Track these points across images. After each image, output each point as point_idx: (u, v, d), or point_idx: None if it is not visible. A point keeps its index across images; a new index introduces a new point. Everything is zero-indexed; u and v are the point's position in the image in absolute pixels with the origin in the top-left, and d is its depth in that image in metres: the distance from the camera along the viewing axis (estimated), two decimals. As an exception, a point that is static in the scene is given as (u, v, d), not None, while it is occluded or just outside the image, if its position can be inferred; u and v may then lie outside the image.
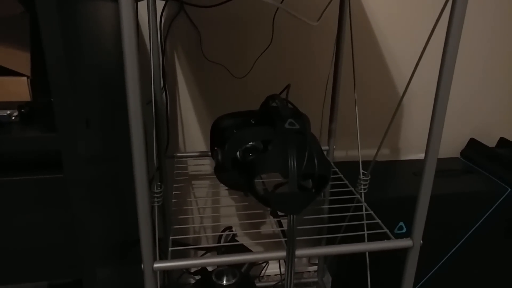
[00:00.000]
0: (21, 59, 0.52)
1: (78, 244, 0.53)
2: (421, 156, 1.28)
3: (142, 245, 0.57)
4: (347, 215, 0.79)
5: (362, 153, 1.23)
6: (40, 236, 0.52)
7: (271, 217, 1.24)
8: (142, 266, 0.58)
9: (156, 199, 0.77)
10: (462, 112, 1.26)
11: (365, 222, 0.74)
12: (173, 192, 0.87)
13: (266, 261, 1.28)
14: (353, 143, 1.22)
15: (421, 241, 0.66)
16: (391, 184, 1.08)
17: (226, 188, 0.89)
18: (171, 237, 0.68)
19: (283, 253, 0.62)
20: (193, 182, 1.16)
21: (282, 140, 0.67)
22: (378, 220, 0.74)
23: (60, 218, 0.52)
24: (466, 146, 1.29)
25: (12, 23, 0.50)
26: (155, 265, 0.58)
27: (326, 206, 0.82)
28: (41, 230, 0.51)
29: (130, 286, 0.83)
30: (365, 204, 0.79)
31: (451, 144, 1.29)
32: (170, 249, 0.64)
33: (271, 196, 0.66)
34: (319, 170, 0.67)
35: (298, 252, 0.62)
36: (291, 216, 0.63)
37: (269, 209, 0.80)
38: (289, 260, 0.60)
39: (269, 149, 0.68)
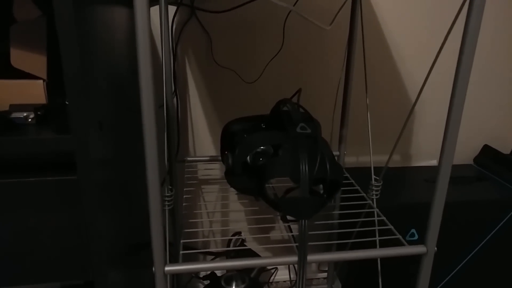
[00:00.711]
0: (37, 62, 0.53)
1: (90, 246, 0.53)
2: (433, 162, 1.27)
3: (154, 248, 0.57)
4: (358, 221, 0.78)
5: (373, 159, 1.22)
6: (53, 238, 0.52)
7: (281, 223, 1.24)
8: (154, 269, 0.58)
9: (167, 203, 0.77)
10: (475, 118, 1.25)
11: (377, 228, 0.73)
12: (184, 196, 0.87)
13: (276, 267, 1.27)
14: (364, 149, 1.21)
15: (435, 248, 0.65)
16: (402, 190, 1.07)
17: (236, 192, 0.88)
18: (182, 241, 0.68)
19: (294, 258, 0.62)
20: (202, 186, 1.16)
21: (294, 144, 0.67)
22: (391, 226, 0.73)
23: (72, 220, 0.52)
24: (480, 152, 1.27)
25: (29, 27, 0.51)
26: (167, 269, 0.58)
27: (337, 212, 0.81)
28: (54, 231, 0.52)
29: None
30: (377, 210, 0.78)
31: (464, 151, 1.28)
32: (181, 252, 0.64)
33: (282, 200, 0.66)
34: (331, 175, 0.67)
35: (310, 257, 0.61)
36: (303, 221, 0.62)
37: (278, 214, 0.80)
38: (301, 266, 0.59)
39: (280, 153, 0.68)
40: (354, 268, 1.11)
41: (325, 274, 1.29)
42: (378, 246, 0.71)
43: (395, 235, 0.71)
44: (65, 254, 0.53)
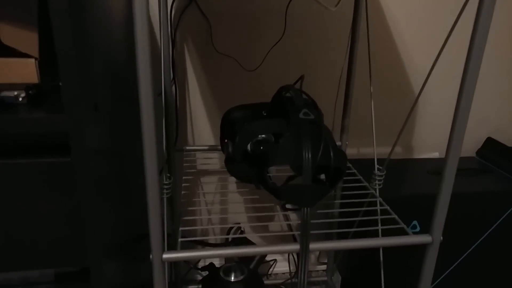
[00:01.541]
0: (28, 40, 0.50)
1: (85, 232, 0.51)
2: (435, 154, 1.25)
3: (151, 235, 0.54)
4: (361, 210, 0.77)
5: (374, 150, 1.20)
6: (47, 223, 0.50)
7: (281, 215, 1.22)
8: (151, 256, 0.56)
9: (165, 191, 0.75)
10: (478, 110, 1.23)
11: (379, 217, 0.71)
12: (182, 185, 0.85)
13: (275, 259, 1.26)
14: (365, 141, 1.19)
15: (441, 238, 0.63)
16: (404, 182, 1.05)
17: (236, 181, 0.86)
18: (180, 228, 0.66)
19: (296, 246, 0.60)
20: (201, 177, 1.14)
21: (296, 130, 0.65)
22: (395, 216, 0.71)
23: (67, 205, 0.50)
24: (483, 145, 1.25)
25: (19, 2, 0.48)
26: (164, 256, 0.56)
27: (338, 201, 0.79)
28: (48, 216, 0.50)
29: (136, 282, 0.81)
30: (380, 199, 0.76)
31: (467, 143, 1.26)
32: (179, 239, 0.62)
33: (284, 188, 0.64)
34: (335, 162, 0.65)
35: (312, 245, 0.59)
36: (305, 209, 0.61)
37: (278, 205, 0.78)
38: (303, 254, 0.57)
39: (283, 139, 0.66)
40: (354, 260, 1.09)
41: (324, 266, 1.27)
42: (380, 235, 0.69)
43: (399, 224, 0.69)
44: (59, 240, 0.51)
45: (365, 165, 0.99)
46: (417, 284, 0.68)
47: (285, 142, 0.65)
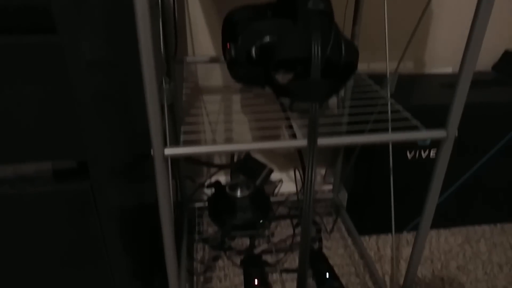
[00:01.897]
0: None
1: (81, 123, 0.48)
2: (448, 69, 1.19)
3: (151, 128, 0.51)
4: (372, 113, 0.73)
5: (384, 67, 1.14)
6: (39, 111, 0.47)
7: (287, 135, 1.19)
8: (152, 152, 0.53)
9: (165, 96, 0.72)
10: (495, 21, 1.15)
11: (389, 112, 0.67)
12: (183, 93, 0.81)
13: (281, 179, 1.26)
14: (374, 56, 1.13)
15: (456, 133, 0.60)
16: (416, 95, 1.01)
17: (240, 83, 0.81)
18: (182, 127, 0.63)
19: (304, 142, 0.57)
20: (204, 95, 1.10)
21: (305, 21, 0.59)
22: (408, 114, 0.68)
23: (59, 91, 0.46)
24: (500, 59, 1.18)
25: None
26: (166, 151, 0.53)
27: (348, 105, 0.75)
28: (40, 104, 0.46)
29: (140, 199, 0.80)
30: (393, 100, 0.72)
31: (482, 57, 1.19)
32: (182, 134, 0.59)
33: (292, 84, 0.60)
34: (346, 56, 0.60)
35: (320, 140, 0.56)
36: (314, 104, 0.57)
37: (285, 105, 0.74)
38: (311, 150, 0.55)
39: (290, 33, 0.61)
40: (361, 176, 1.08)
41: (330, 186, 1.28)
42: (390, 131, 0.65)
43: (412, 124, 0.66)
44: (55, 132, 0.48)
45: (375, 80, 0.94)
46: (428, 186, 0.66)
47: (293, 34, 0.60)
